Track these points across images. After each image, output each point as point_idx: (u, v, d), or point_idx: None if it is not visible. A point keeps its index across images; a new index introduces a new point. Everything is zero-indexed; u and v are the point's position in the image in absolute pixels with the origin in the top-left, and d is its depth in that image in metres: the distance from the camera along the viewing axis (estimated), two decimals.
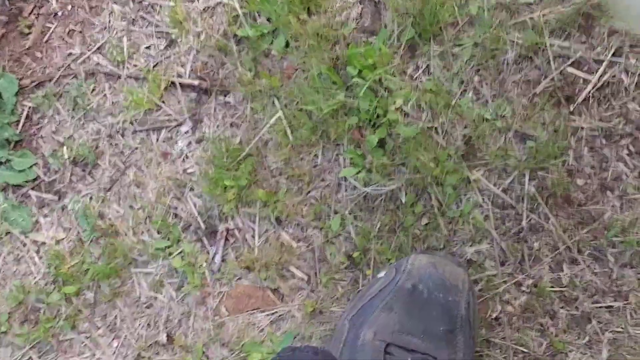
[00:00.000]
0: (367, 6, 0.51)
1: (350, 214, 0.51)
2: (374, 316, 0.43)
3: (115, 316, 0.56)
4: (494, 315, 0.49)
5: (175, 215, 0.55)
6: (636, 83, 0.46)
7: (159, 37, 0.55)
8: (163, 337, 0.54)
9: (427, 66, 0.49)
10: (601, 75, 0.47)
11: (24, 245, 0.58)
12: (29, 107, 0.57)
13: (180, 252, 0.54)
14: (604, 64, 0.46)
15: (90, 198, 0.56)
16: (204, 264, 0.54)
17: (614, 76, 0.47)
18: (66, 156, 0.56)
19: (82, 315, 0.56)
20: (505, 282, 0.49)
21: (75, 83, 0.56)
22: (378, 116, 0.49)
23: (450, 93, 0.48)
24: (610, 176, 0.47)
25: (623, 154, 0.47)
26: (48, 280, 0.57)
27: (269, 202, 0.52)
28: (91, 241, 0.56)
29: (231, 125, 0.54)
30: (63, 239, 0.57)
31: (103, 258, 0.55)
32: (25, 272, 0.58)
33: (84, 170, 0.57)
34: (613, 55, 0.46)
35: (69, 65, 0.56)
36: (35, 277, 0.57)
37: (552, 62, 0.47)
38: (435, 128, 0.48)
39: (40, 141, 0.58)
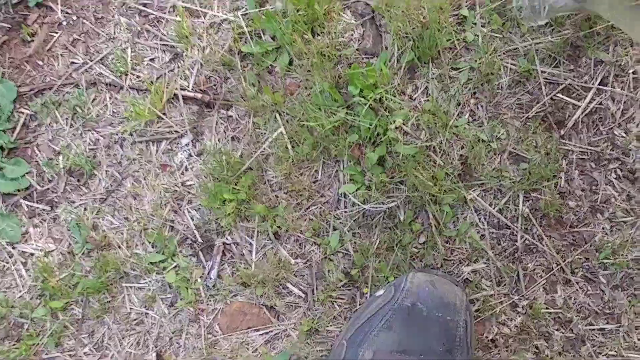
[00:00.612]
0: (368, 29, 0.57)
1: (349, 230, 0.55)
2: (373, 335, 0.47)
3: (103, 333, 0.58)
4: (490, 337, 0.54)
5: (172, 228, 0.59)
6: (622, 110, 0.53)
7: (164, 50, 0.60)
8: (152, 356, 0.57)
9: (426, 88, 0.55)
10: (589, 102, 0.54)
11: (11, 256, 0.60)
12: (27, 115, 0.62)
13: (175, 267, 0.58)
14: (592, 91, 0.54)
15: (85, 209, 0.60)
16: (199, 280, 0.57)
17: (601, 103, 0.54)
18: (61, 165, 0.60)
19: (68, 332, 0.59)
20: (501, 302, 0.54)
21: (75, 92, 0.61)
22: (378, 134, 0.55)
23: (448, 114, 0.55)
24: (600, 199, 0.54)
25: (611, 177, 0.54)
26: (34, 294, 0.60)
27: (267, 216, 0.57)
28: (82, 253, 0.59)
29: (232, 139, 0.59)
30: (53, 250, 0.60)
31: (94, 271, 0.58)
32: (10, 285, 0.60)
33: (79, 181, 0.61)
34: (600, 83, 0.54)
35: (70, 74, 0.61)
36: (20, 291, 0.60)
37: (543, 88, 0.54)
38: (434, 147, 0.54)
39: (35, 149, 0.62)
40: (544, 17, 0.50)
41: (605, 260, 0.53)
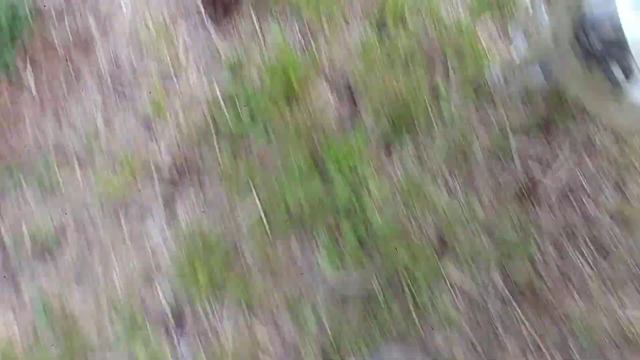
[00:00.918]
0: (345, 102, 0.59)
1: (323, 303, 0.56)
2: None
3: None
4: None
5: (143, 302, 0.59)
6: (592, 183, 0.55)
7: (138, 121, 0.61)
8: None
9: (401, 158, 0.57)
10: (560, 174, 0.56)
11: None
12: None
13: (145, 342, 0.58)
14: (563, 163, 0.56)
15: (51, 284, 0.59)
16: (169, 355, 0.57)
17: (571, 174, 0.56)
18: (27, 240, 0.60)
19: None
20: None
21: (44, 162, 0.60)
22: (354, 207, 0.56)
23: (424, 186, 0.56)
24: (573, 270, 0.55)
25: (583, 249, 0.55)
26: None
27: (242, 290, 0.57)
28: (49, 331, 0.58)
29: (206, 210, 0.59)
30: (16, 331, 0.59)
31: (60, 349, 0.58)
32: None
33: (46, 255, 0.60)
34: (570, 154, 0.56)
35: (39, 144, 0.61)
36: None
37: (516, 160, 0.56)
38: (410, 220, 0.56)
39: (0, 222, 0.61)
40: (516, 90, 0.52)
41: (578, 333, 0.55)
